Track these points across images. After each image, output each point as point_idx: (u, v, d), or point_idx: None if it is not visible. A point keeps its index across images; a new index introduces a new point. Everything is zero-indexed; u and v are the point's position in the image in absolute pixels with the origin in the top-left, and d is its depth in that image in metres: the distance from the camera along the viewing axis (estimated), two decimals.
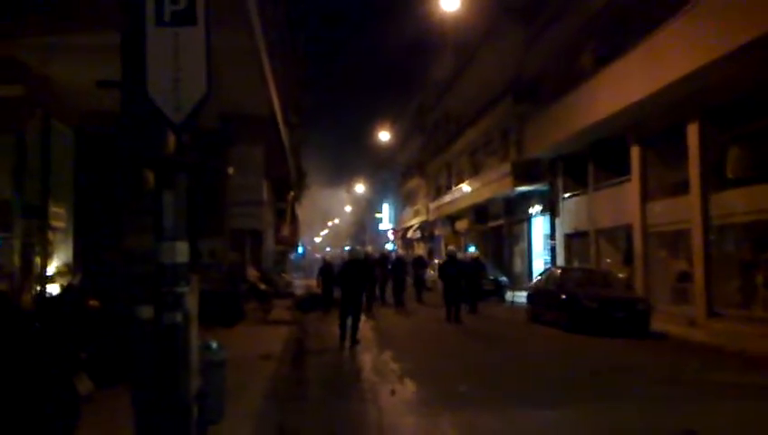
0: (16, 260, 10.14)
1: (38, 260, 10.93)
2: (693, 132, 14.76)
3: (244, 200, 16.22)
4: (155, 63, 3.86)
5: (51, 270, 11.34)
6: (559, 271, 16.15)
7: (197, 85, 3.86)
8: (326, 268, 19.00)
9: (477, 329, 15.20)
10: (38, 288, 10.30)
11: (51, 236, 11.59)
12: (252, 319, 14.98)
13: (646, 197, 17.24)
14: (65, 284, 10.62)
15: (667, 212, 16.42)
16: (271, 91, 13.53)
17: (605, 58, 17.39)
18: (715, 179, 14.39)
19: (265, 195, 20.70)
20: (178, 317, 3.34)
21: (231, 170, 5.44)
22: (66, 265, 11.98)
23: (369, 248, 25.48)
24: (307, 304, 20.09)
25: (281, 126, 17.01)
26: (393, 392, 7.71)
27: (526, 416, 6.81)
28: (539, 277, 18.68)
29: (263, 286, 18.17)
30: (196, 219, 3.73)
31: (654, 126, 16.56)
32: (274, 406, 6.75)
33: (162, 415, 3.30)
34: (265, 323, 14.76)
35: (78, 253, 12.29)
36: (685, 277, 16.00)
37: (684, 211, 15.29)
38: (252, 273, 18.94)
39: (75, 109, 11.62)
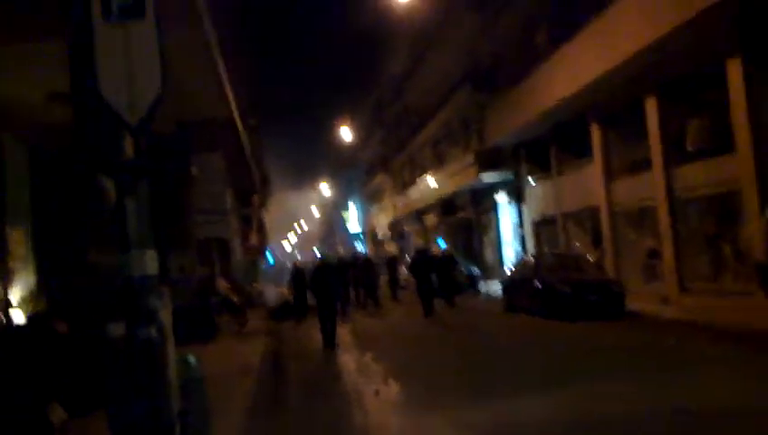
0: None
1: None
2: (651, 107, 14.88)
3: (209, 209, 15.88)
4: (106, 62, 3.62)
5: (13, 298, 10.89)
6: (532, 258, 16.16)
7: (152, 83, 3.63)
8: (298, 275, 18.70)
9: (455, 323, 15.16)
10: (1, 318, 9.87)
11: (10, 262, 11.13)
12: (226, 332, 14.68)
13: (610, 176, 17.36)
14: (30, 311, 10.20)
15: (631, 190, 16.53)
16: (227, 91, 13.20)
17: (559, 39, 17.44)
18: (676, 154, 14.50)
19: (230, 202, 20.34)
20: (153, 332, 3.12)
21: (195, 171, 5.21)
22: (29, 290, 11.53)
23: (341, 251, 25.29)
24: (280, 312, 19.82)
25: (240, 129, 16.69)
26: (377, 393, 7.54)
27: (514, 406, 6.69)
28: (512, 267, 18.73)
29: (235, 298, 17.81)
30: (161, 229, 3.49)
31: (613, 104, 16.67)
32: (259, 422, 6.52)
33: None
34: (240, 336, 14.46)
35: (41, 277, 11.85)
36: (654, 255, 16.13)
37: (648, 188, 15.40)
38: (222, 285, 18.55)
39: (29, 125, 11.16)
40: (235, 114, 15.32)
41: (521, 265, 16.98)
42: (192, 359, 3.91)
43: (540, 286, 14.15)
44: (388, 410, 7.07)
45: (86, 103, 3.97)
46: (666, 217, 14.73)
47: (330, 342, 11.86)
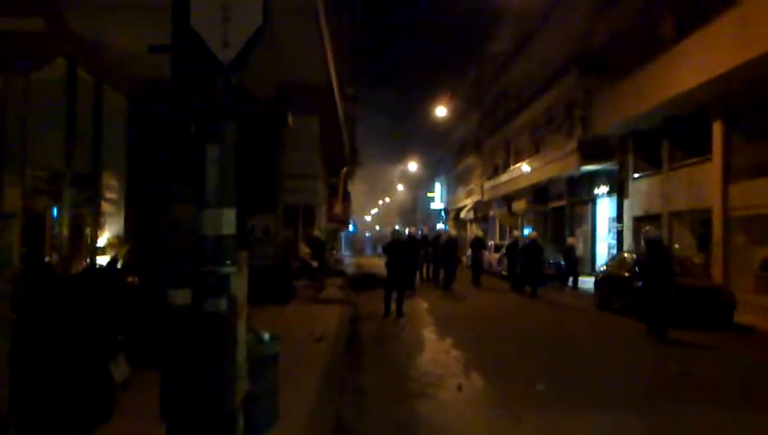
0: (65, 232, 9.77)
1: (88, 232, 10.58)
2: None
3: (299, 174, 15.61)
4: None
5: (101, 242, 10.99)
6: (632, 256, 14.95)
7: (251, 15, 3.11)
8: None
9: (543, 318, 14.27)
10: (88, 261, 9.94)
11: (103, 207, 11.24)
12: (303, 297, 14.53)
13: (728, 178, 15.84)
14: (114, 256, 10.23)
15: (751, 195, 15.00)
16: (328, 57, 12.80)
17: (688, 26, 15.94)
18: None
19: (319, 170, 20.10)
20: (222, 304, 2.64)
21: (290, 120, 4.77)
22: (117, 236, 11.64)
23: (412, 229, 24.64)
24: (360, 283, 19.55)
25: (337, 96, 16.29)
26: (460, 388, 6.93)
27: (615, 421, 5.92)
28: (607, 262, 17.58)
29: (314, 264, 17.65)
30: (247, 186, 2.99)
31: (741, 100, 15.12)
32: (331, 401, 6.07)
33: (201, 428, 2.60)
34: (316, 302, 14.26)
35: (130, 224, 11.96)
36: None
37: None
38: (303, 250, 18.42)
39: (128, 76, 11.14)
40: (334, 81, 14.92)
41: (618, 261, 15.76)
42: (266, 335, 3.42)
43: (640, 287, 13.03)
44: (473, 410, 6.45)
45: (183, 52, 3.46)
46: None
47: (398, 310, 12.80)
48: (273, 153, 13.47)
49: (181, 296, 2.74)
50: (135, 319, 5.05)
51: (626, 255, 15.79)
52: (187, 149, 3.50)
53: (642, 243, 12.74)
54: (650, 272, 11.51)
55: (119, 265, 6.93)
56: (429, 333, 11.26)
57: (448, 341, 10.35)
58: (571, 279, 21.04)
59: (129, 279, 5.64)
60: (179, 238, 3.32)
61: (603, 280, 15.53)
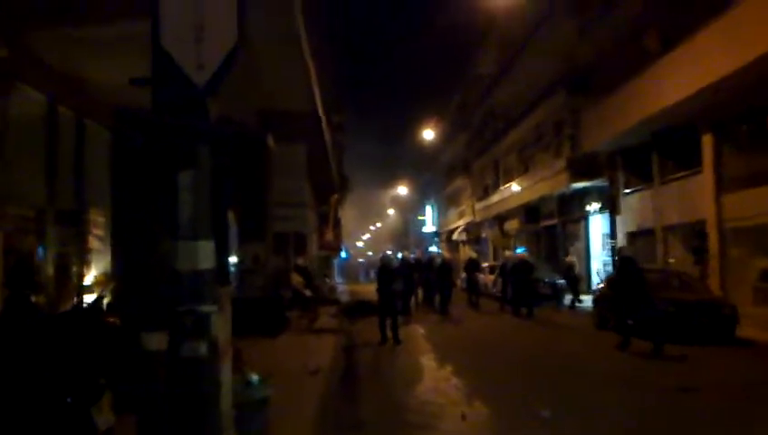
0: (51, 271, 9.49)
1: (75, 270, 10.29)
2: None
3: (287, 202, 15.38)
4: (170, 7, 2.92)
5: (89, 280, 10.69)
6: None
7: (225, 35, 2.90)
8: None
9: (542, 340, 13.99)
10: (76, 300, 9.64)
11: (90, 243, 10.97)
12: (296, 327, 14.19)
13: (721, 189, 15.73)
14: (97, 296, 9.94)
15: (746, 205, 14.87)
16: (313, 85, 12.68)
17: (673, 38, 15.94)
18: None
19: (308, 198, 19.89)
20: (202, 348, 2.38)
21: (271, 142, 4.55)
22: (104, 274, 11.34)
23: (405, 253, 24.38)
24: (354, 311, 19.22)
25: (323, 123, 16.16)
26: (464, 417, 6.63)
27: None
28: (603, 280, 17.37)
29: (307, 293, 17.31)
30: (227, 215, 2.75)
31: (729, 110, 15.06)
32: None
33: None
34: (310, 332, 13.92)
35: (117, 260, 11.63)
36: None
37: None
38: (296, 279, 18.10)
39: (111, 109, 10.92)
40: (320, 109, 14.80)
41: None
42: (255, 377, 3.15)
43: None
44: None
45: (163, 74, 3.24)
46: None
47: (395, 338, 12.68)
48: (261, 181, 13.26)
49: (156, 340, 2.48)
50: (115, 362, 4.75)
51: None
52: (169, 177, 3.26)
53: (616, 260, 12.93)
54: (623, 289, 11.90)
55: (103, 304, 6.63)
56: (428, 361, 10.96)
57: (448, 368, 10.05)
58: (570, 298, 20.79)
59: (111, 319, 5.35)
60: (161, 276, 3.07)
61: (601, 298, 15.28)
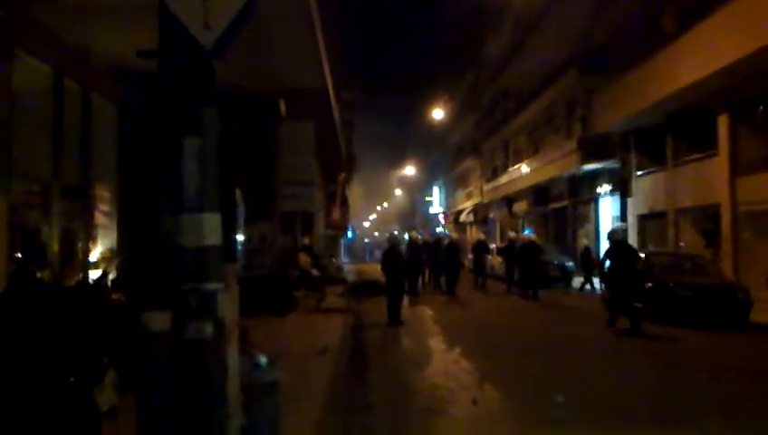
0: (56, 246, 9.37)
1: (80, 246, 10.16)
2: None
3: (296, 180, 15.16)
4: None
5: (94, 256, 10.57)
6: (643, 255, 14.54)
7: None
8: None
9: (552, 322, 13.82)
10: (80, 276, 9.52)
11: (96, 219, 10.84)
12: (303, 307, 14.09)
13: (736, 172, 15.47)
14: (107, 270, 9.82)
15: (761, 189, 14.63)
16: (323, 60, 12.42)
17: (690, 18, 15.56)
18: None
19: (316, 176, 19.68)
20: (207, 329, 2.22)
21: (283, 108, 4.34)
22: (110, 250, 11.22)
23: (414, 233, 24.18)
24: (361, 290, 19.11)
25: (333, 100, 15.90)
26: (475, 402, 6.49)
27: None
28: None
29: (314, 272, 17.20)
30: (234, 185, 2.57)
31: (747, 92, 14.74)
32: (337, 420, 5.65)
33: None
34: (317, 312, 13.82)
35: (123, 236, 11.53)
36: None
37: None
38: (303, 258, 17.98)
39: (115, 82, 10.74)
40: (330, 86, 14.54)
41: None
42: (263, 360, 2.99)
43: (653, 286, 12.60)
44: (492, 427, 6.02)
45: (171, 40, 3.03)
46: None
47: (394, 319, 12.57)
48: (269, 158, 13.08)
49: (158, 321, 2.32)
50: (119, 340, 4.61)
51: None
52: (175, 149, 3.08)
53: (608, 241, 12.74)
54: (615, 270, 11.67)
55: (108, 281, 6.49)
56: (436, 343, 10.83)
57: (457, 350, 9.92)
58: (580, 281, 20.55)
59: (115, 296, 5.20)
60: (165, 252, 2.89)
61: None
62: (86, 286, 6.36)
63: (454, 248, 20.53)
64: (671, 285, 12.26)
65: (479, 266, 22.12)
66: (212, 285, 2.24)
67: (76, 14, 8.02)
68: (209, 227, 2.25)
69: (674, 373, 8.14)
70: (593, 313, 14.70)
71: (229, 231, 2.49)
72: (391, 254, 13.31)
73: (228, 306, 2.35)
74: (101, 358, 4.64)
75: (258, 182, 12.78)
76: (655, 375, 8.05)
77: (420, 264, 19.81)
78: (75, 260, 9.85)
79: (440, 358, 9.44)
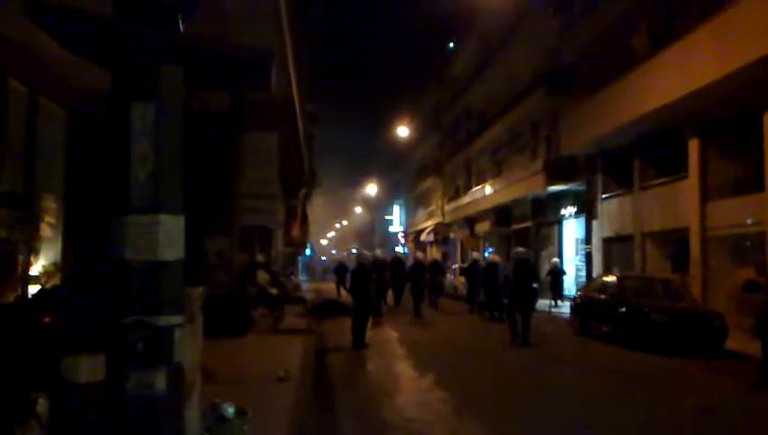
0: None
1: (21, 259, 9.25)
2: None
3: (257, 193, 14.39)
4: None
5: (36, 270, 9.65)
6: (613, 278, 14.21)
7: None
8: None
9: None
10: (19, 291, 8.59)
11: (41, 230, 9.93)
12: (261, 327, 13.30)
13: (706, 196, 15.33)
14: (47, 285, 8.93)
15: (732, 213, 14.51)
16: (290, 68, 11.80)
17: (663, 38, 15.49)
18: None
19: (277, 190, 18.91)
20: (158, 381, 1.53)
21: (274, 75, 3.66)
22: (54, 264, 10.30)
23: (378, 252, 23.60)
24: (323, 310, 18.37)
25: (298, 111, 15.24)
26: None
27: None
28: (583, 286, 16.88)
29: (274, 291, 16.41)
30: (204, 177, 1.90)
31: (718, 115, 14.64)
32: None
33: None
34: (277, 333, 13.06)
35: (68, 249, 10.65)
36: (752, 287, 14.12)
37: (755, 212, 13.42)
38: (262, 276, 17.17)
39: (66, 86, 9.92)
40: (295, 94, 13.90)
41: (600, 284, 14.90)
42: (230, 409, 2.31)
43: (627, 311, 12.24)
44: None
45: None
46: None
47: (359, 342, 11.89)
48: (230, 168, 12.34)
49: (87, 368, 1.62)
50: (47, 370, 3.84)
51: (606, 278, 14.98)
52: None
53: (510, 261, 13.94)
54: (515, 288, 12.62)
55: (40, 299, 5.67)
56: (406, 368, 10.16)
57: (429, 376, 9.25)
58: (548, 302, 20.18)
59: (46, 320, 4.43)
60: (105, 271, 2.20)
61: (582, 305, 14.70)
62: (19, 306, 5.52)
63: (422, 267, 20.06)
64: (646, 310, 11.89)
65: (435, 286, 21.57)
66: (167, 319, 1.55)
67: (22, 9, 7.23)
68: (167, 235, 1.55)
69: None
70: (564, 335, 14.31)
71: (197, 241, 1.83)
72: (359, 273, 12.64)
73: (189, 347, 1.67)
74: (27, 392, 3.86)
75: (217, 194, 12.02)
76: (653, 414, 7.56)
77: (385, 284, 19.18)
78: (14, 274, 8.98)
79: (412, 386, 8.79)
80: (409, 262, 22.31)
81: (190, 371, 1.71)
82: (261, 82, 3.05)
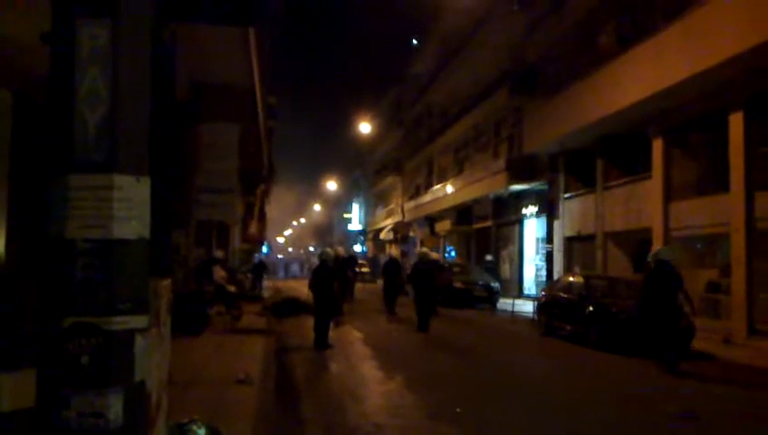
0: None
1: None
2: (737, 123, 12.90)
3: (215, 187, 13.78)
4: None
5: None
6: (579, 278, 14.09)
7: None
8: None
9: (489, 346, 13.08)
10: None
11: None
12: (218, 326, 12.75)
13: (669, 197, 15.37)
14: None
15: (695, 214, 14.57)
16: (252, 56, 11.28)
17: (630, 38, 15.46)
18: (760, 176, 12.58)
19: (237, 184, 18.28)
20: (111, 409, 1.09)
21: None
22: None
23: (340, 249, 23.11)
24: (282, 309, 17.83)
25: (259, 102, 14.69)
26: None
27: None
28: (548, 285, 16.77)
29: (231, 288, 15.83)
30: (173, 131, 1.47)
31: (683, 116, 14.68)
32: None
33: None
34: (234, 332, 12.51)
35: (12, 233, 9.92)
36: (715, 288, 14.23)
37: (719, 213, 13.48)
38: (219, 272, 16.54)
39: (14, 69, 9.20)
40: (257, 83, 13.37)
41: (565, 284, 14.76)
42: (200, 431, 1.87)
43: (593, 311, 12.10)
44: None
45: None
46: (741, 247, 12.77)
47: (322, 342, 11.50)
48: (187, 159, 11.73)
49: (11, 392, 1.16)
50: None
51: (572, 278, 14.85)
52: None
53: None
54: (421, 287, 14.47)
55: None
56: (372, 369, 9.75)
57: (397, 379, 8.89)
58: (508, 302, 20.12)
59: None
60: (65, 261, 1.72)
61: (548, 305, 14.52)
62: None
63: (395, 265, 19.78)
64: (614, 310, 11.77)
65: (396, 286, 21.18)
66: (123, 321, 1.08)
67: None
68: (125, 204, 1.09)
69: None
70: (530, 336, 14.14)
71: (165, 221, 1.40)
72: (322, 271, 12.19)
73: (155, 359, 1.22)
74: None
75: (172, 186, 11.41)
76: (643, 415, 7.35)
77: (348, 281, 18.83)
78: None
79: (380, 389, 8.39)
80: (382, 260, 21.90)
81: (156, 391, 1.27)
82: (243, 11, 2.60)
